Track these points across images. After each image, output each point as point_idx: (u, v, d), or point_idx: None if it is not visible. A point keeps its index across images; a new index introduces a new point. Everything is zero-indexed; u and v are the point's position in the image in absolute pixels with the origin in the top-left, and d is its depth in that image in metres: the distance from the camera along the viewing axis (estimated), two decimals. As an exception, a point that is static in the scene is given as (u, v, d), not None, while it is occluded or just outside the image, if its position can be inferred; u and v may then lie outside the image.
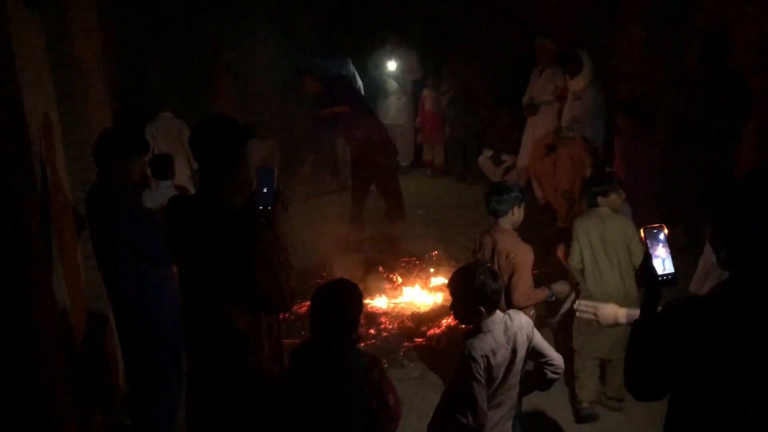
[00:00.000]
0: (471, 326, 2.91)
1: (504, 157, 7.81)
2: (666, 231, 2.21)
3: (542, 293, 3.78)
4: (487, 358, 2.75)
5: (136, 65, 6.16)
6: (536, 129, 7.09)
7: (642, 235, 2.22)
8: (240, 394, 2.70)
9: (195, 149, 2.66)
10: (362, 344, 4.88)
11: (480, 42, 8.45)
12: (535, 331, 2.92)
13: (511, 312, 2.93)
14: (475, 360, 2.74)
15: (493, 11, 8.46)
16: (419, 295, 5.68)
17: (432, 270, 6.06)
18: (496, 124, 7.99)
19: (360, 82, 8.10)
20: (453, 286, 2.91)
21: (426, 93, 8.64)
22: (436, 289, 5.76)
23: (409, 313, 5.39)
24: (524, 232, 3.98)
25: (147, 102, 6.14)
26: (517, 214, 3.77)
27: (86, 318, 3.84)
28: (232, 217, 2.61)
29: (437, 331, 5.13)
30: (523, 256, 3.69)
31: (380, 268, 6.09)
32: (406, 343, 4.98)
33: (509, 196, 3.71)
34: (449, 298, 5.47)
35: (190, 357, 2.93)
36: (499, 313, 2.86)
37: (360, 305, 2.71)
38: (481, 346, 2.77)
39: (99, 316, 3.91)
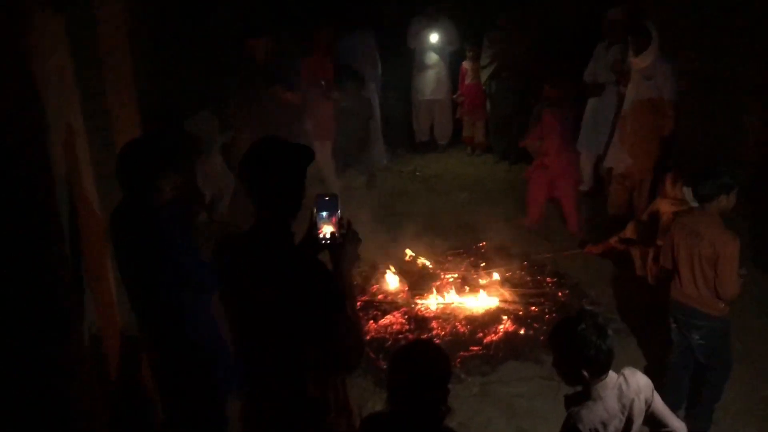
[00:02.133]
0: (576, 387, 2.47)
1: (553, 135, 7.27)
2: None
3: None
4: (597, 431, 2.33)
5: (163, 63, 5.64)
6: (599, 111, 6.51)
7: None
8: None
9: (250, 179, 2.22)
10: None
11: (527, 8, 7.85)
12: (656, 394, 2.45)
13: (627, 372, 2.46)
14: None
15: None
16: (471, 294, 5.26)
17: (482, 264, 5.65)
18: (544, 99, 7.43)
19: (378, 59, 7.56)
20: (553, 343, 2.46)
21: (466, 65, 8.09)
22: (489, 286, 5.34)
23: (461, 316, 4.98)
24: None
25: (176, 102, 5.70)
26: (725, 202, 3.52)
27: (121, 342, 3.52)
28: (303, 260, 2.20)
29: (494, 338, 4.73)
30: (727, 244, 3.46)
31: (426, 263, 5.68)
32: (461, 353, 4.58)
33: (718, 182, 3.48)
34: (505, 297, 5.20)
35: (248, 409, 2.55)
36: (612, 376, 2.41)
37: (448, 372, 2.30)
38: (590, 417, 2.33)
39: (133, 339, 3.57)
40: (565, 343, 2.39)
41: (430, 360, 2.24)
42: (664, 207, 4.73)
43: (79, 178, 3.00)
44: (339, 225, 2.27)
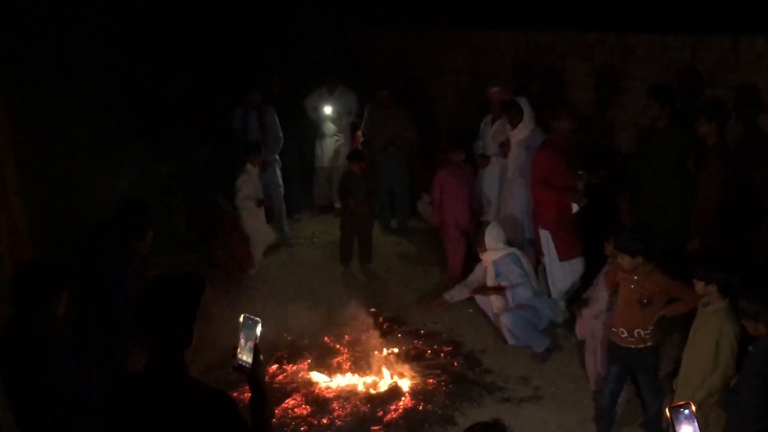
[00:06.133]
0: None
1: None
2: (693, 407, 2.10)
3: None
4: None
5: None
6: (486, 181, 6.95)
7: (668, 415, 2.09)
8: None
9: (143, 322, 2.22)
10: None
11: (411, 87, 8.26)
12: None
13: None
14: None
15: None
16: (370, 369, 5.33)
17: (380, 339, 5.73)
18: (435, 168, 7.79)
19: (279, 132, 7.71)
20: None
21: (360, 134, 8.35)
22: (387, 360, 5.44)
23: (361, 394, 5.04)
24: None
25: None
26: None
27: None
28: (205, 395, 2.22)
29: (394, 415, 4.82)
30: None
31: (325, 338, 5.72)
32: (363, 435, 4.64)
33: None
34: (404, 372, 5.30)
35: None
36: None
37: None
38: None
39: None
40: None
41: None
42: None
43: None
44: (255, 349, 2.31)
